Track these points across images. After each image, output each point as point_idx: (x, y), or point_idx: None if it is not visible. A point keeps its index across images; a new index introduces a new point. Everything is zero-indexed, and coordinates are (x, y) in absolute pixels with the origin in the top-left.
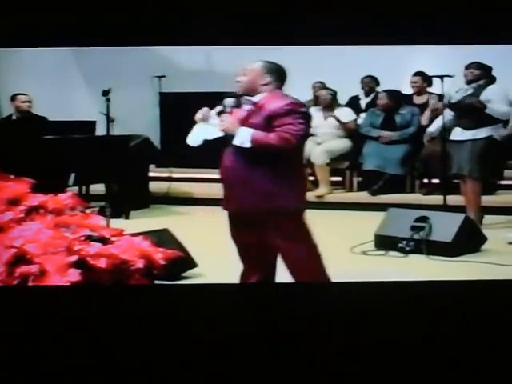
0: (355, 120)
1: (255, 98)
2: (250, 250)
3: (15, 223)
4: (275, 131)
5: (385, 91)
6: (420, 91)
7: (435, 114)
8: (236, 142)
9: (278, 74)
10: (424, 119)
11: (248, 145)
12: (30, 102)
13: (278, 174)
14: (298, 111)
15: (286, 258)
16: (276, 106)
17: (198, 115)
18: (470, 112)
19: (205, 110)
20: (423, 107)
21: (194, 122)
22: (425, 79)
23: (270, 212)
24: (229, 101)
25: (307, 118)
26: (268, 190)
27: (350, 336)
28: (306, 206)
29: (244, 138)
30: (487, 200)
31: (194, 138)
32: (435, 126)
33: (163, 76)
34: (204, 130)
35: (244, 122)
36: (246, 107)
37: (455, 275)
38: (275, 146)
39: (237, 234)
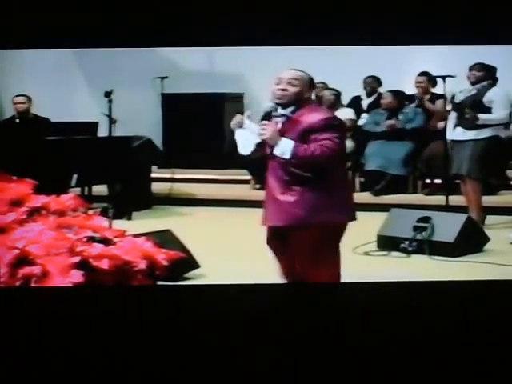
0: (355, 121)
1: (287, 111)
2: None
3: (17, 224)
4: (313, 144)
5: (389, 91)
6: (424, 91)
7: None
8: (276, 152)
9: (314, 87)
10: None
11: (288, 156)
12: (23, 103)
13: (325, 187)
14: (334, 125)
15: (314, 265)
16: (312, 120)
17: (233, 122)
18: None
19: (238, 116)
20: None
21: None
22: (430, 79)
23: (318, 226)
24: (270, 106)
25: (343, 131)
26: (317, 204)
27: (352, 336)
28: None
29: (285, 148)
30: (489, 200)
31: (245, 146)
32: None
33: (165, 77)
34: (246, 135)
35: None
36: (277, 118)
37: (457, 275)
38: (316, 158)
39: (275, 244)
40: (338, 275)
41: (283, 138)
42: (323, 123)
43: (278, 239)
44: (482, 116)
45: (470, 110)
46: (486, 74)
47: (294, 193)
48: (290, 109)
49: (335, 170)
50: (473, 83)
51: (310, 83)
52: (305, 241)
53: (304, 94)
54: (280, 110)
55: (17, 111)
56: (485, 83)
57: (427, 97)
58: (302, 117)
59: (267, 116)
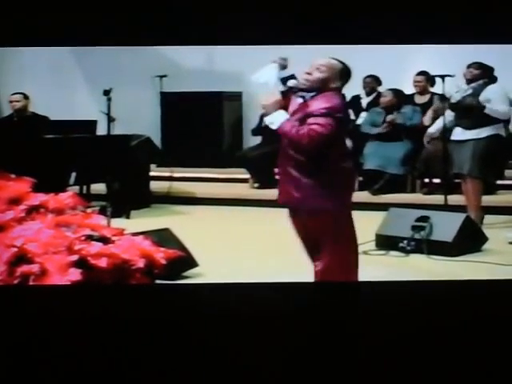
0: (353, 120)
1: (308, 95)
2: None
3: (16, 222)
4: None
5: (389, 89)
6: (423, 91)
7: (437, 115)
8: (266, 120)
9: (347, 78)
10: (426, 119)
11: (275, 127)
12: (18, 101)
13: (321, 174)
14: (333, 115)
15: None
16: (316, 107)
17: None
18: (470, 112)
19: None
20: (424, 106)
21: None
22: (428, 79)
23: (311, 209)
24: (294, 82)
25: (341, 123)
26: (311, 188)
27: (349, 335)
28: (350, 207)
29: (275, 120)
30: (488, 200)
31: (259, 76)
32: (436, 127)
33: (164, 76)
34: (267, 73)
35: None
36: (297, 100)
37: (456, 275)
38: (300, 138)
39: (292, 221)
40: (346, 268)
41: (279, 110)
42: (323, 111)
43: (293, 217)
44: (488, 105)
45: (478, 102)
46: (482, 73)
47: (293, 173)
48: (312, 94)
49: (337, 163)
50: (468, 81)
51: (342, 73)
52: (309, 225)
53: (331, 82)
54: (301, 92)
55: (13, 109)
56: (480, 82)
57: (426, 97)
58: (312, 102)
59: (287, 91)
